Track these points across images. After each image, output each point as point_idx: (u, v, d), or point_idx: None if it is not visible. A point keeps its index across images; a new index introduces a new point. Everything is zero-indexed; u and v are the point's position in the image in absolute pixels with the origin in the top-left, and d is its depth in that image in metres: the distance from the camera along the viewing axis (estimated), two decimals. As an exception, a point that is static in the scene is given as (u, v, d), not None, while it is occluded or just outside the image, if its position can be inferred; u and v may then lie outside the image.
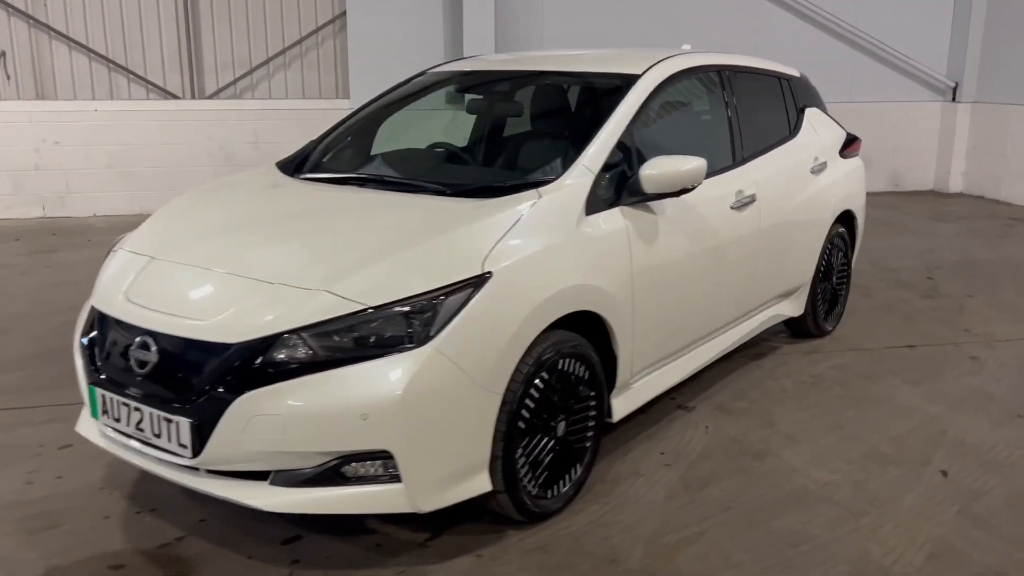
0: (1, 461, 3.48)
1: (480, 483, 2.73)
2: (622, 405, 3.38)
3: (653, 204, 3.39)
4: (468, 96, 4.37)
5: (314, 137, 4.14)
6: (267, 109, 9.00)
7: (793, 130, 4.67)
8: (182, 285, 2.83)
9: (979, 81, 10.45)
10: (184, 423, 2.56)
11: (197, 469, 2.63)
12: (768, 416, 3.97)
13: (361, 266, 2.68)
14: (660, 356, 3.59)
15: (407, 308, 2.58)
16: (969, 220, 9.00)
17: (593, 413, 3.16)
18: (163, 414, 2.61)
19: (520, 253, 2.82)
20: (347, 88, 9.24)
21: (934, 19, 10.57)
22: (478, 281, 2.67)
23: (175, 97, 8.96)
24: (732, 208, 3.88)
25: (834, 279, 5.01)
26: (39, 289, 6.05)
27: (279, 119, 8.92)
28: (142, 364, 2.67)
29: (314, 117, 8.14)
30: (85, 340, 2.95)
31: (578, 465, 3.12)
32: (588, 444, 3.16)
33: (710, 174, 3.67)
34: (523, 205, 2.98)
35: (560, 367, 2.95)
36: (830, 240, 4.83)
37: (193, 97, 9.01)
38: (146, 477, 3.25)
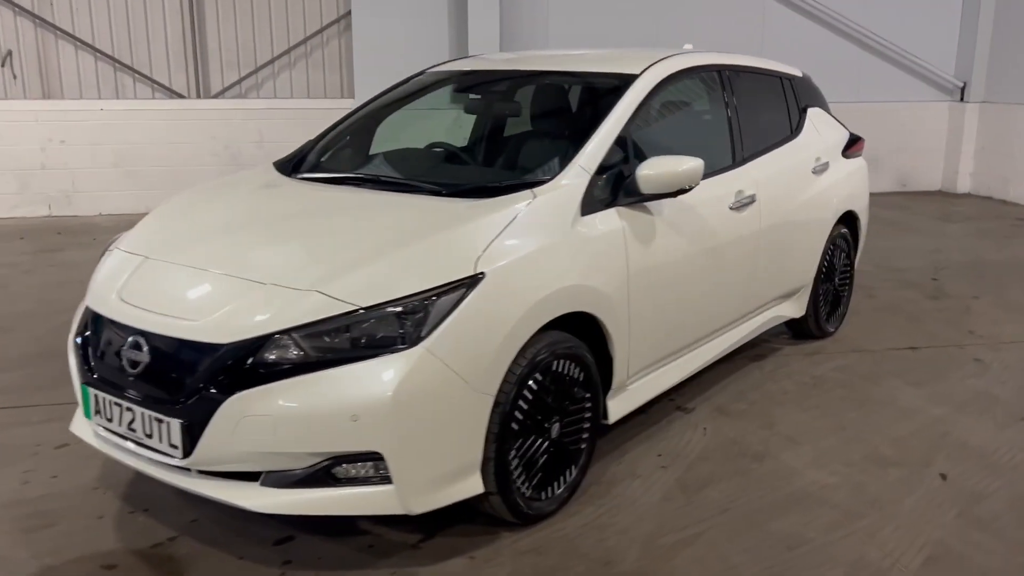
0: (-2, 460, 3.49)
1: (472, 485, 2.72)
2: (618, 407, 3.36)
3: (650, 204, 3.36)
4: (467, 96, 4.36)
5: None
6: (272, 108, 9.02)
7: (795, 130, 4.63)
8: (175, 285, 2.82)
9: (988, 81, 10.38)
10: (175, 423, 2.55)
11: (188, 470, 2.63)
12: (768, 418, 3.94)
13: (353, 266, 2.67)
14: (657, 357, 3.57)
15: (398, 309, 2.56)
16: (977, 220, 8.94)
17: (588, 415, 3.14)
18: (154, 414, 2.60)
19: (514, 254, 2.80)
20: (352, 88, 9.24)
21: (942, 18, 10.50)
22: (471, 282, 2.65)
23: (180, 96, 8.99)
24: (731, 208, 3.85)
25: (836, 280, 4.98)
26: (43, 288, 6.07)
27: (284, 119, 8.92)
28: (134, 364, 2.66)
29: (319, 117, 8.06)
30: (79, 340, 2.95)
31: (573, 467, 3.10)
32: (583, 446, 3.14)
33: (709, 174, 3.66)
34: (517, 205, 2.96)
35: (554, 368, 2.93)
36: (832, 241, 4.79)
37: (198, 96, 9.04)
38: (140, 477, 3.25)
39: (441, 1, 9.15)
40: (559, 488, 3.05)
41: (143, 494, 3.19)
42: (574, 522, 3.03)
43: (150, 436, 2.63)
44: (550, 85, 4.05)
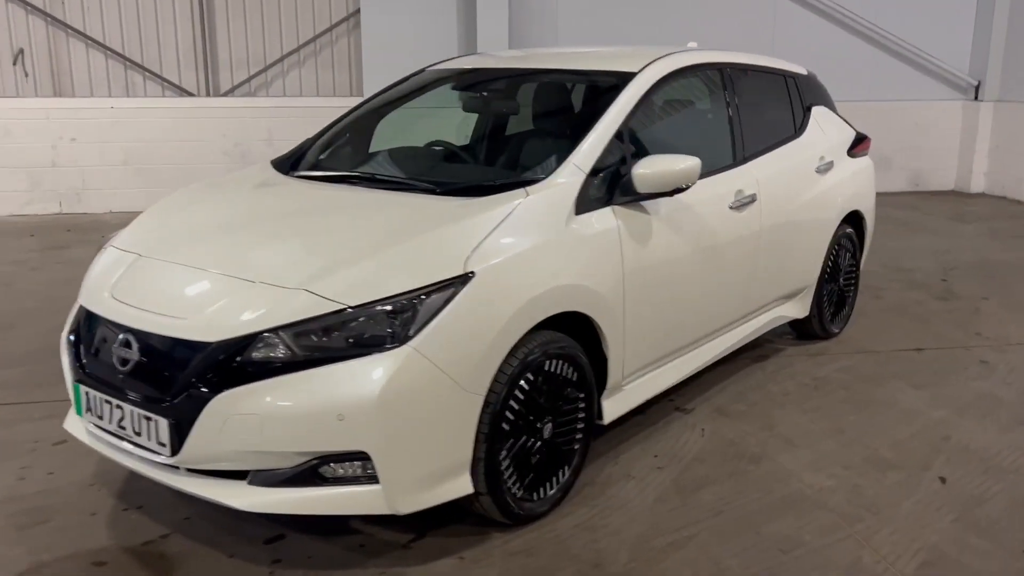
0: (-4, 456, 3.51)
1: (461, 485, 2.70)
2: (613, 407, 3.33)
3: (647, 204, 3.34)
4: (466, 94, 4.34)
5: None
6: (281, 107, 9.04)
7: (798, 129, 4.59)
8: (166, 283, 2.83)
9: (1002, 79, 10.25)
10: (163, 422, 2.55)
11: (177, 468, 2.63)
12: (767, 419, 3.91)
13: (341, 265, 2.66)
14: (654, 358, 3.54)
15: (387, 308, 2.55)
16: (990, 221, 8.84)
17: (582, 415, 3.12)
18: (143, 412, 2.61)
19: (505, 253, 2.78)
20: (361, 86, 9.25)
21: (956, 16, 10.39)
22: (460, 281, 2.64)
23: (190, 95, 9.02)
24: (731, 208, 3.81)
25: (841, 280, 4.92)
26: (50, 285, 6.10)
27: (293, 116, 8.94)
28: (124, 362, 2.67)
29: (328, 115, 8.00)
30: (72, 337, 2.96)
31: (566, 467, 3.09)
32: (576, 446, 3.12)
33: (708, 173, 3.64)
34: (509, 204, 2.94)
35: (547, 368, 2.91)
36: (837, 241, 4.74)
37: (208, 95, 9.07)
38: (134, 474, 3.24)
39: (450, -1, 9.16)
40: (551, 489, 3.03)
41: (137, 491, 3.20)
42: (566, 523, 3.01)
43: (139, 434, 2.64)
44: (549, 83, 4.04)
